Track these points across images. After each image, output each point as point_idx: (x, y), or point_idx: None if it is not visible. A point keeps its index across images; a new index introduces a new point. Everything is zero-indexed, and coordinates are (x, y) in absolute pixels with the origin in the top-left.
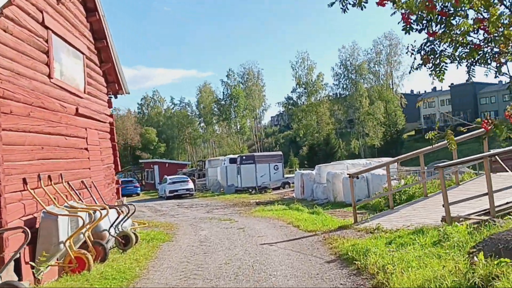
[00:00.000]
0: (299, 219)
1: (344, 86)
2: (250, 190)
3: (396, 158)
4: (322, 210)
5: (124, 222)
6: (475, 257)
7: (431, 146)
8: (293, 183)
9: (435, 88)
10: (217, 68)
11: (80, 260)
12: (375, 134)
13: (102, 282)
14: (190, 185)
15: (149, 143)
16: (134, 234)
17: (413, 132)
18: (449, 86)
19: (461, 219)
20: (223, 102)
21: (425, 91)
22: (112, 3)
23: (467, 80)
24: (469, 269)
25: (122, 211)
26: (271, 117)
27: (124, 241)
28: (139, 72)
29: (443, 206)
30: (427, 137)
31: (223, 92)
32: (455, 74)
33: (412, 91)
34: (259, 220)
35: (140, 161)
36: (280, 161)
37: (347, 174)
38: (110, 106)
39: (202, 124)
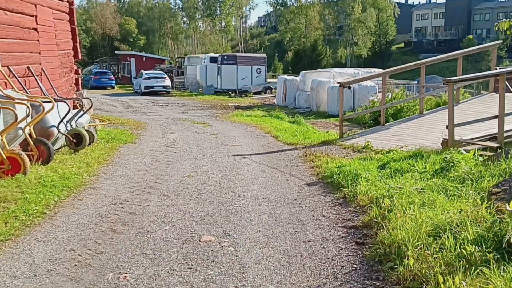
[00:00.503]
0: (279, 129)
1: None
2: (230, 92)
3: (393, 69)
4: (303, 119)
5: (79, 118)
6: (507, 204)
7: (436, 58)
8: (275, 88)
9: (429, 0)
10: None
11: (13, 161)
12: (363, 44)
13: (37, 189)
14: (167, 82)
15: (128, 34)
16: (90, 132)
17: (402, 45)
18: None
19: (463, 143)
20: None
21: (419, 2)
22: None
23: None
24: (496, 219)
25: (80, 105)
26: (258, 17)
27: (76, 140)
28: None
29: (447, 128)
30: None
31: None
32: None
33: (406, 0)
34: (236, 126)
35: (117, 52)
36: (264, 64)
37: (338, 82)
38: None
39: (185, 19)
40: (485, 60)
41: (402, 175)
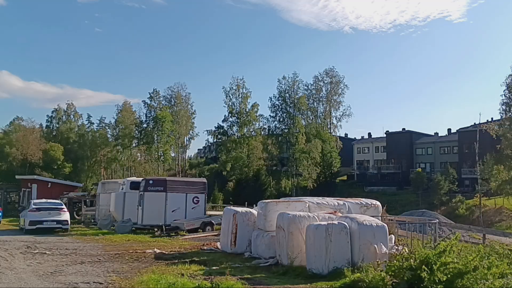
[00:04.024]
0: None
1: (281, 119)
2: (156, 229)
3: None
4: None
5: None
6: None
7: None
8: (218, 224)
9: (370, 134)
10: (145, 95)
11: None
12: (309, 175)
13: None
14: (65, 215)
15: (52, 161)
16: None
17: (345, 177)
18: (385, 133)
19: None
20: (145, 125)
21: (362, 137)
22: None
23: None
24: None
25: None
26: (198, 149)
27: None
28: (63, 90)
29: None
30: None
31: (146, 114)
32: (392, 121)
33: (346, 134)
34: None
35: (17, 177)
36: (203, 191)
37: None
38: None
39: (119, 147)
40: (437, 194)
41: None
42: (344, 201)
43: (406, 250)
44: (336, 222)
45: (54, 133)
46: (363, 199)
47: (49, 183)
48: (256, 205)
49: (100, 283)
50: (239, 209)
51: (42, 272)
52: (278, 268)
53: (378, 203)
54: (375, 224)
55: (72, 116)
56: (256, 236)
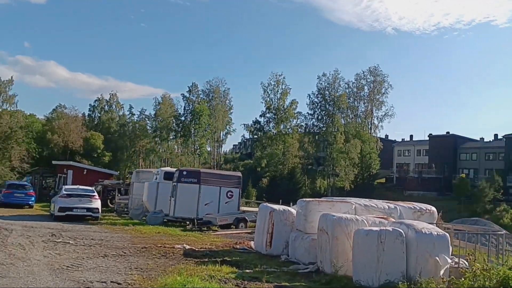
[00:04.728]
0: None
1: (319, 117)
2: (188, 222)
3: None
4: None
5: None
6: None
7: None
8: (252, 221)
9: (411, 136)
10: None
11: None
12: (346, 175)
13: None
14: (95, 203)
15: (93, 150)
16: None
17: (383, 180)
18: (428, 136)
19: None
20: (183, 118)
21: (403, 139)
22: (90, 10)
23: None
24: None
25: None
26: (234, 144)
27: None
28: (107, 82)
29: None
30: None
31: (184, 108)
32: (435, 124)
33: (387, 136)
34: None
35: (54, 162)
36: (238, 186)
37: None
38: None
39: (157, 139)
40: (482, 202)
41: None
42: (395, 205)
43: (466, 263)
44: (390, 228)
45: (95, 122)
46: (416, 204)
47: (85, 170)
48: (293, 203)
49: (118, 284)
50: (276, 206)
51: (58, 265)
52: (319, 276)
53: (434, 208)
54: (436, 233)
55: (114, 106)
56: (295, 238)
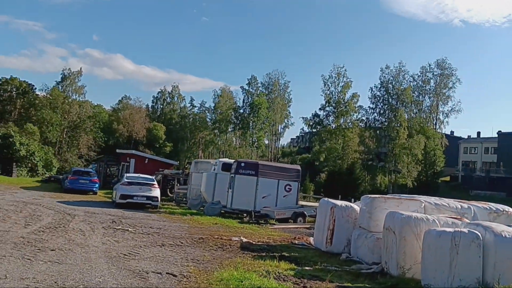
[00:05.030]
0: None
1: (382, 112)
2: (245, 215)
3: None
4: None
5: None
6: None
7: None
8: (310, 216)
9: (479, 133)
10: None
11: None
12: (408, 172)
13: None
14: (155, 191)
15: (155, 140)
16: None
17: (448, 178)
18: (497, 133)
19: None
20: (241, 111)
21: (469, 136)
22: (155, 5)
23: None
24: None
25: None
26: (291, 138)
27: None
28: (170, 75)
29: None
30: None
31: (243, 100)
32: (504, 122)
33: (452, 132)
34: None
35: (118, 151)
36: (297, 179)
37: None
38: None
39: (216, 131)
40: None
41: None
42: (468, 204)
43: None
44: (465, 230)
45: (158, 114)
46: (492, 204)
47: (146, 159)
48: (354, 199)
49: (174, 276)
50: (338, 202)
51: (115, 253)
52: (384, 278)
53: (511, 209)
54: None
55: (176, 98)
56: (358, 236)
